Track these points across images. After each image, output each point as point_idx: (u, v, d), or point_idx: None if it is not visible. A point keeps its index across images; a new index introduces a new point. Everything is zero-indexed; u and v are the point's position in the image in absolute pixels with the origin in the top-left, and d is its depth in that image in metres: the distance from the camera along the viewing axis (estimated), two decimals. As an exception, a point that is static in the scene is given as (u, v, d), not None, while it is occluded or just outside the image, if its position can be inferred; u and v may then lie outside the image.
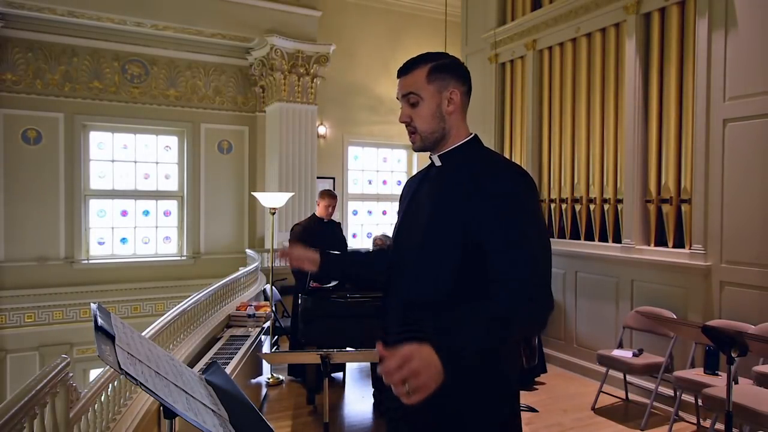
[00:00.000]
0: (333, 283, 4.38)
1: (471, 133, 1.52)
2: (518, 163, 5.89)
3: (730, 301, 3.89)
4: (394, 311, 1.50)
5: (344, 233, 5.63)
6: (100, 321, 1.21)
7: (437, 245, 1.40)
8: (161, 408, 1.29)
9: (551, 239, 5.34)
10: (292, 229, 4.94)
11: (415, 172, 9.47)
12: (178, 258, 7.92)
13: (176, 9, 7.02)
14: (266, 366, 4.71)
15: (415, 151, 1.54)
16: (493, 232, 1.32)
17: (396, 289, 1.51)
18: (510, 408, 1.43)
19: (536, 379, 4.83)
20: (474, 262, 1.35)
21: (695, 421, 3.92)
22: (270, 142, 7.95)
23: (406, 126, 1.50)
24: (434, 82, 1.44)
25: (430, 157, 1.56)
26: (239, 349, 3.60)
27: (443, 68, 1.46)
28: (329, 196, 4.89)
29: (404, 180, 9.51)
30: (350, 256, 1.88)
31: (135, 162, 7.80)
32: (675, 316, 4.04)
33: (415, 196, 1.58)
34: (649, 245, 4.53)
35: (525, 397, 4.40)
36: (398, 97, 1.51)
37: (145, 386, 1.13)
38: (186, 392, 1.28)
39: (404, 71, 1.49)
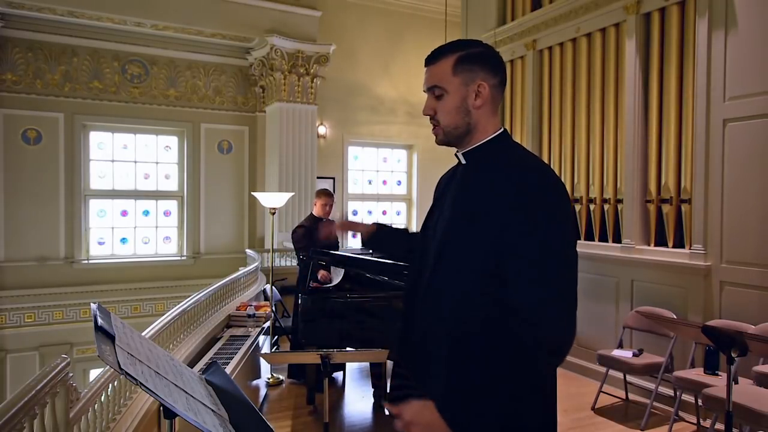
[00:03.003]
0: (333, 283, 4.38)
1: (500, 128, 1.40)
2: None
3: (730, 301, 3.89)
4: (414, 331, 1.43)
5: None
6: (100, 321, 1.21)
7: (457, 259, 1.31)
8: (161, 408, 1.29)
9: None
10: (294, 231, 4.92)
11: (415, 172, 9.37)
12: (178, 258, 7.92)
13: (176, 9, 7.03)
14: (266, 366, 4.71)
15: (438, 144, 1.44)
16: (512, 247, 1.22)
17: (418, 303, 1.42)
18: None
19: None
20: (498, 280, 1.25)
21: (695, 421, 3.92)
22: (270, 142, 7.96)
23: (430, 119, 1.41)
24: (461, 74, 1.34)
25: (456, 155, 1.46)
26: (239, 349, 3.60)
27: (471, 58, 1.35)
28: (326, 195, 4.89)
29: (404, 180, 9.55)
30: (404, 232, 1.86)
31: (135, 162, 7.81)
32: (675, 316, 4.04)
33: (440, 201, 1.49)
34: (649, 245, 4.53)
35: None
36: (424, 90, 1.41)
37: (145, 386, 1.13)
38: (186, 392, 1.28)
39: (430, 60, 1.39)
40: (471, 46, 1.38)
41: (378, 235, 1.79)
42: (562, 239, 1.25)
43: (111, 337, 1.19)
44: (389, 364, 4.37)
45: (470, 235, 1.30)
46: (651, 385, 4.15)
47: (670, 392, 4.09)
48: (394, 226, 1.87)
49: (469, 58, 1.35)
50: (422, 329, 1.40)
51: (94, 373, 6.85)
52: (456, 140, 1.40)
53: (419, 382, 1.43)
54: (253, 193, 6.49)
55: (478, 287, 1.28)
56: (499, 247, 1.25)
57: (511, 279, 1.23)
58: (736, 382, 3.36)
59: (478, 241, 1.28)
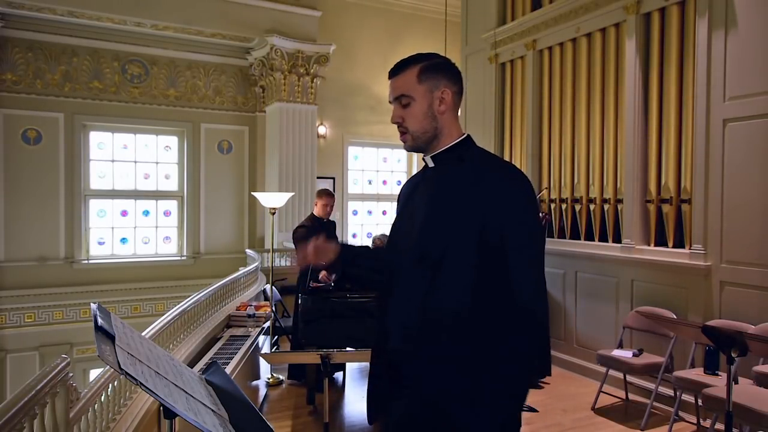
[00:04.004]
0: (333, 278, 4.38)
1: (463, 133, 1.50)
2: (518, 163, 5.90)
3: (730, 301, 3.89)
4: (396, 324, 1.46)
5: (340, 233, 5.59)
6: (100, 321, 1.21)
7: (441, 252, 1.37)
8: (161, 408, 1.29)
9: (551, 239, 5.37)
10: (295, 231, 4.91)
11: (415, 172, 9.46)
12: (178, 258, 7.92)
13: (176, 9, 7.03)
14: (266, 366, 4.71)
15: (407, 150, 1.53)
16: (512, 242, 1.34)
17: (398, 297, 1.47)
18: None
19: (540, 380, 4.85)
20: (487, 267, 1.35)
21: (695, 421, 3.92)
22: (270, 142, 7.95)
23: (398, 126, 1.49)
24: (425, 82, 1.43)
25: (424, 159, 1.53)
26: (239, 349, 3.59)
27: (434, 68, 1.45)
28: (327, 195, 4.88)
29: (404, 180, 9.54)
30: (371, 251, 1.75)
31: (135, 162, 7.81)
32: (675, 316, 4.04)
33: (411, 201, 1.55)
34: (649, 245, 4.53)
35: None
36: (390, 100, 1.49)
37: (145, 386, 1.13)
38: (186, 392, 1.28)
39: (395, 72, 1.48)
40: (432, 57, 1.48)
41: (347, 258, 1.62)
42: (539, 223, 1.47)
43: (111, 337, 1.19)
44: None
45: (457, 230, 1.37)
46: (651, 385, 4.15)
47: (670, 392, 4.09)
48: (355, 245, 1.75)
49: (432, 67, 1.45)
50: (408, 329, 1.43)
51: (94, 373, 6.85)
52: (424, 145, 1.48)
53: (406, 379, 1.44)
54: (253, 193, 6.49)
55: (470, 279, 1.36)
56: (487, 237, 1.34)
57: (511, 267, 1.34)
58: (736, 382, 3.36)
59: (466, 234, 1.35)
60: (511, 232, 1.33)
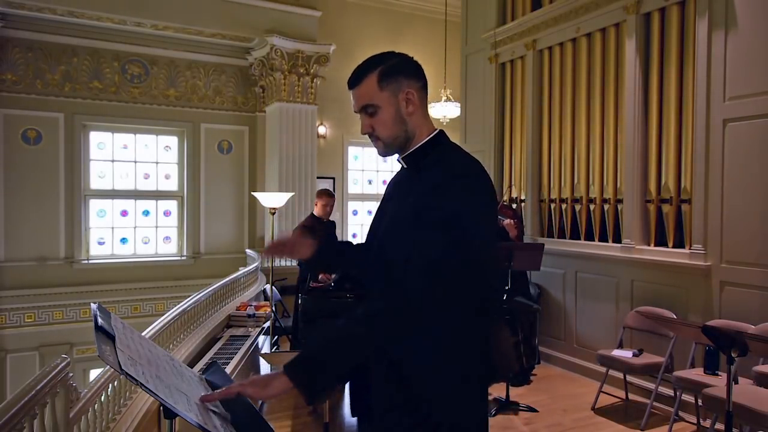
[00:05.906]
0: (333, 278, 4.38)
1: (434, 130, 1.46)
2: (518, 163, 5.88)
3: (730, 301, 3.89)
4: None
5: (340, 233, 5.59)
6: (100, 321, 1.21)
7: (391, 254, 1.38)
8: (161, 408, 1.29)
9: (551, 239, 5.37)
10: (294, 231, 4.92)
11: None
12: (178, 258, 7.92)
13: (176, 9, 7.02)
14: (266, 366, 4.71)
15: (381, 155, 1.49)
16: (409, 238, 1.31)
17: (368, 295, 1.53)
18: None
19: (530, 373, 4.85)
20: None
21: (695, 421, 3.92)
22: (270, 142, 7.95)
23: (369, 135, 1.45)
24: (387, 87, 1.39)
25: (398, 160, 1.50)
26: (239, 349, 3.60)
27: (393, 70, 1.40)
28: (327, 195, 4.88)
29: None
30: (351, 249, 1.74)
31: (135, 162, 7.80)
32: (675, 316, 4.04)
33: (384, 203, 1.56)
34: (649, 245, 4.53)
35: (525, 397, 4.40)
36: (355, 110, 1.44)
37: (145, 387, 1.13)
38: (186, 393, 1.28)
39: (354, 83, 1.43)
40: (388, 58, 1.43)
41: (323, 254, 1.63)
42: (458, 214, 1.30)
43: (111, 338, 1.19)
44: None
45: (404, 229, 1.35)
46: (651, 385, 4.15)
47: (670, 392, 4.09)
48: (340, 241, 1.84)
49: (390, 70, 1.40)
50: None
51: (94, 373, 6.85)
52: (397, 149, 1.45)
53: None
54: (253, 193, 6.49)
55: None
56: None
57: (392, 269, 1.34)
58: (736, 382, 3.36)
59: (407, 232, 1.33)
60: (425, 214, 1.29)
